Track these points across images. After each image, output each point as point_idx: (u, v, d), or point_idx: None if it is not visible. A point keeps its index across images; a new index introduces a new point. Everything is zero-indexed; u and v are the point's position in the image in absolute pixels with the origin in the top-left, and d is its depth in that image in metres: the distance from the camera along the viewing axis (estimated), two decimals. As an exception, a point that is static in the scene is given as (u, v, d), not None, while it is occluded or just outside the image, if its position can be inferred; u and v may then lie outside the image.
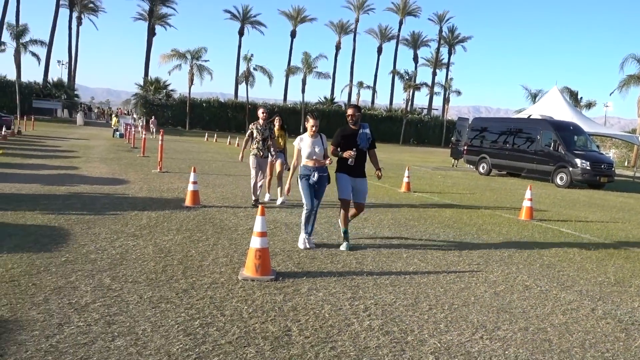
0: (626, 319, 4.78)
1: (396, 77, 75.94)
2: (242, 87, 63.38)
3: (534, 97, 54.26)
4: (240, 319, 4.05)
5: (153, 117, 40.32)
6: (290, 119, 54.27)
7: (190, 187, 9.03)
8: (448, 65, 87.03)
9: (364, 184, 6.71)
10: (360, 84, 66.32)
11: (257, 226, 5.11)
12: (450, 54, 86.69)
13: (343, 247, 6.60)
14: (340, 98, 75.46)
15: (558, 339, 4.14)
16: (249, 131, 9.45)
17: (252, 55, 57.82)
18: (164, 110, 55.92)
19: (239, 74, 64.87)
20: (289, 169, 9.70)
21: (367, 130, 6.68)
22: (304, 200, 6.52)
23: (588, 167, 18.95)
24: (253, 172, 9.39)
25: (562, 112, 24.75)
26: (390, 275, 5.54)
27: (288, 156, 10.11)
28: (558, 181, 19.48)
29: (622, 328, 4.52)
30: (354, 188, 6.63)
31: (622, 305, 5.19)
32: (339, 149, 6.58)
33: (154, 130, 37.01)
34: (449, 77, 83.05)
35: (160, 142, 14.82)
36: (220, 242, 6.52)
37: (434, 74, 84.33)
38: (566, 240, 8.35)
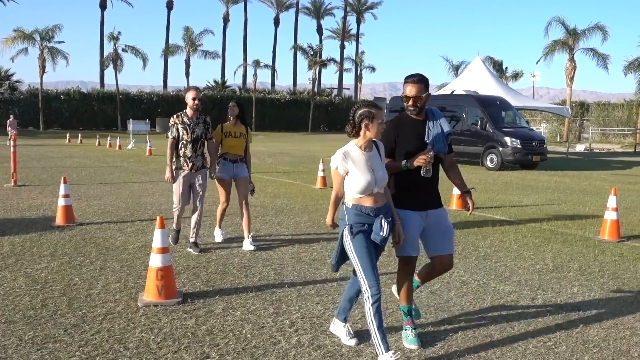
0: (566, 305, 5.42)
1: (299, 53, 77.18)
2: (109, 73, 61.45)
3: (456, 69, 57.19)
4: (148, 350, 4.16)
5: (12, 116, 37.88)
6: (175, 110, 53.31)
7: (61, 202, 8.82)
8: (357, 36, 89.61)
9: (445, 218, 4.58)
10: (257, 63, 66.37)
11: (157, 241, 5.22)
12: (358, 23, 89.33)
13: (411, 344, 4.41)
14: (234, 81, 75.51)
15: (499, 334, 4.65)
16: (173, 129, 7.12)
17: (119, 33, 56.22)
18: (8, 107, 52.75)
19: (104, 57, 62.70)
20: (253, 191, 7.75)
21: (442, 122, 4.56)
22: (362, 276, 3.95)
23: (519, 146, 20.53)
24: (176, 198, 7.19)
25: (487, 85, 26.50)
26: (315, 285, 5.84)
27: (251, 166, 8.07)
28: (488, 163, 20.94)
29: (563, 315, 5.14)
30: (426, 230, 4.48)
31: (562, 291, 5.85)
32: (405, 161, 4.33)
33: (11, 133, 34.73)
34: (359, 51, 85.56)
35: (12, 149, 14.16)
36: (108, 265, 6.50)
37: (342, 47, 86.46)
38: (501, 228, 9.12)
